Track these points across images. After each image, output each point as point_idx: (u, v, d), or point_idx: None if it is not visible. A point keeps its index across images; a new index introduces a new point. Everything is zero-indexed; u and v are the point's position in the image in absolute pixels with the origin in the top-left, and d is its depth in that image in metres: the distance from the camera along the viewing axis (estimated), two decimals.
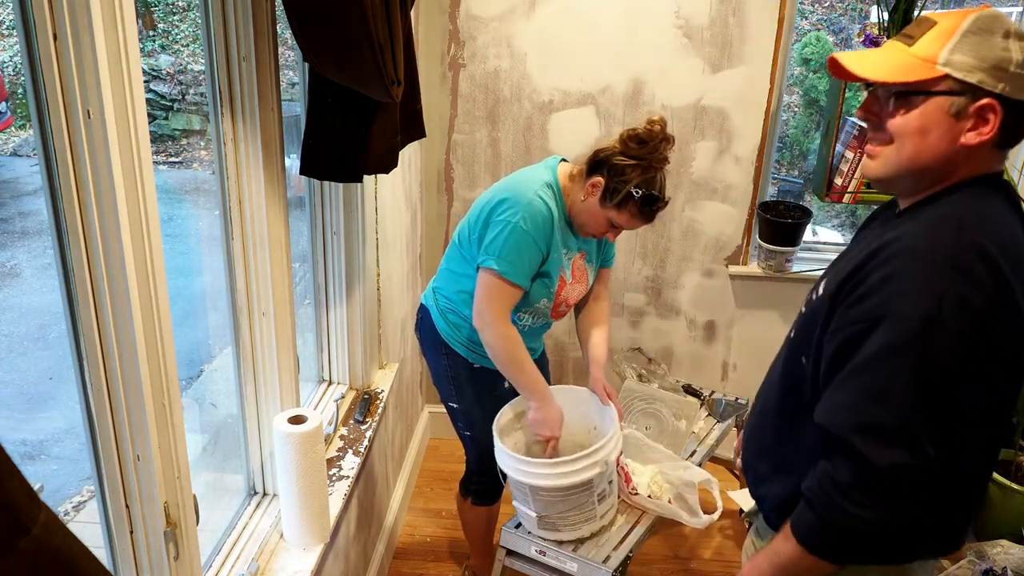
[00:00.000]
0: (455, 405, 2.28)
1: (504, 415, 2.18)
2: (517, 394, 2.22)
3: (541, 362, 2.36)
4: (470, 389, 2.24)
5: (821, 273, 1.38)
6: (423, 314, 2.28)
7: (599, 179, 1.96)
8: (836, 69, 1.24)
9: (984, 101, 1.13)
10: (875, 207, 1.46)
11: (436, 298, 2.23)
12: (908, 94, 1.18)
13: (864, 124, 1.28)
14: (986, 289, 1.09)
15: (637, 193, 1.93)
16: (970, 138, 1.15)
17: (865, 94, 1.26)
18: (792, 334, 1.36)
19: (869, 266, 1.15)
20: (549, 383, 2.33)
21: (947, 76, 1.14)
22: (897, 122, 1.19)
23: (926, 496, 1.14)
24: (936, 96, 1.15)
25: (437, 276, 2.27)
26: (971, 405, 1.14)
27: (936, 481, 1.14)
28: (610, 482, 2.07)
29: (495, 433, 2.11)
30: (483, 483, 2.37)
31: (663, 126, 1.96)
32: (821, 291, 1.27)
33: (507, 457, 2.04)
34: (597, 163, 1.98)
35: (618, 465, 2.16)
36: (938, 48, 1.15)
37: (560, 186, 2.05)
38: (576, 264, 2.15)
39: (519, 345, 2.07)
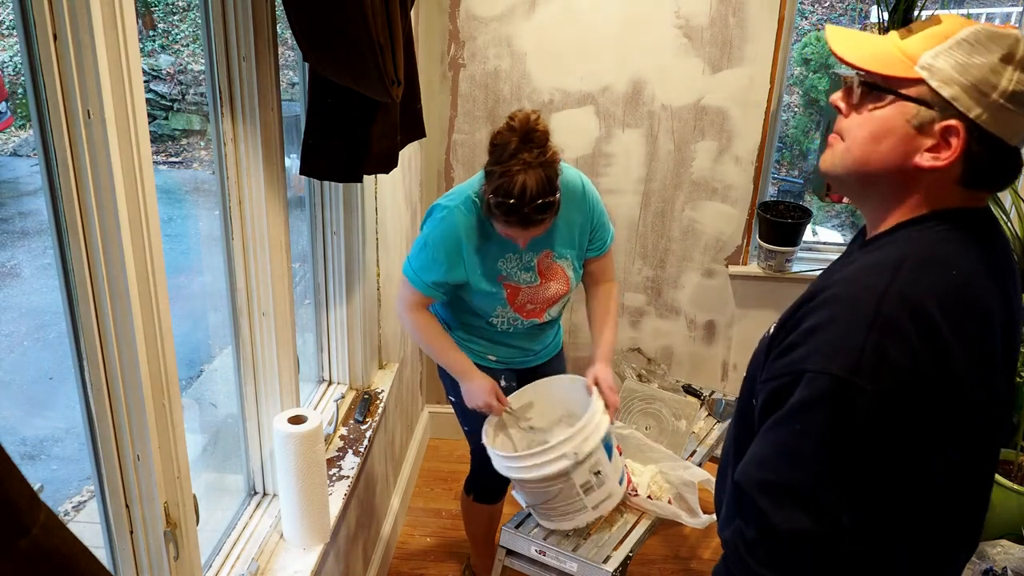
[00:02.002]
0: (453, 399, 2.30)
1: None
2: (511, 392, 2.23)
3: (555, 364, 2.35)
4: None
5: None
6: None
7: (484, 188, 1.89)
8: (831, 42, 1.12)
9: (951, 122, 0.99)
10: None
11: None
12: (875, 88, 1.05)
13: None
14: (910, 344, 0.96)
15: (492, 200, 1.83)
16: (924, 159, 1.02)
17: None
18: (746, 374, 1.25)
19: (800, 313, 1.06)
20: None
21: (921, 81, 1.01)
22: (855, 118, 1.08)
23: (838, 570, 1.02)
24: (902, 100, 1.02)
25: None
26: (899, 473, 1.00)
27: (852, 555, 1.01)
28: (596, 473, 2.01)
29: (486, 425, 2.12)
30: (483, 480, 2.37)
31: (522, 120, 1.81)
32: (771, 330, 1.16)
33: (488, 449, 2.08)
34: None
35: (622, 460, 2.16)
36: (925, 48, 1.02)
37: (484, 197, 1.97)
38: (544, 264, 2.09)
39: (434, 329, 2.12)
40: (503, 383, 2.21)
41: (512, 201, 1.80)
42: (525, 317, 2.14)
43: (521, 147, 1.80)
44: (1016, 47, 0.99)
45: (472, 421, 2.27)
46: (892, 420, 0.98)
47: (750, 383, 1.19)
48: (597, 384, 2.11)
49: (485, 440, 2.10)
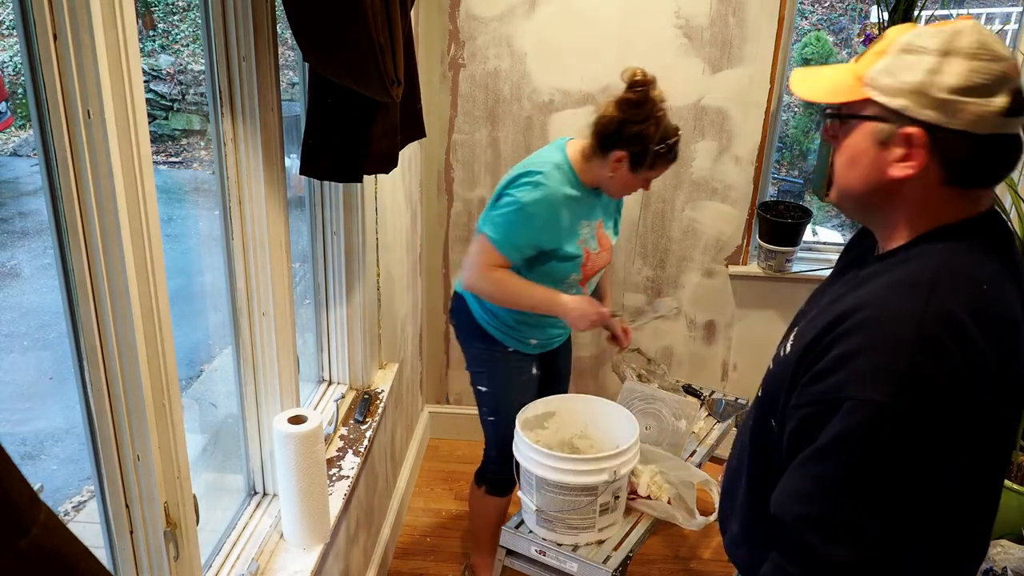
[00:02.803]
0: (484, 388, 2.34)
1: (532, 409, 2.25)
2: (542, 381, 2.37)
3: (567, 345, 2.47)
4: (502, 372, 2.32)
5: (791, 323, 1.26)
6: (458, 302, 2.35)
7: (621, 153, 2.02)
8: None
9: (908, 130, 1.01)
10: None
11: None
12: (838, 117, 1.10)
13: None
14: (953, 361, 0.97)
15: (662, 148, 2.02)
16: (897, 170, 1.04)
17: None
18: (760, 393, 1.23)
19: (830, 337, 1.04)
20: (569, 372, 2.56)
21: (871, 99, 1.04)
22: (837, 151, 1.11)
23: None
24: (863, 121, 1.06)
25: None
26: (924, 484, 1.00)
27: (873, 563, 1.01)
28: (616, 497, 2.08)
29: (517, 422, 2.16)
30: (500, 472, 2.37)
31: (644, 76, 2.00)
32: (788, 349, 1.15)
33: (523, 444, 2.10)
34: (610, 139, 2.03)
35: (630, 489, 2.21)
36: (871, 66, 1.05)
37: (572, 165, 2.11)
38: (600, 232, 2.23)
39: (515, 277, 2.13)
40: (535, 371, 2.33)
41: (674, 142, 2.04)
42: (582, 285, 2.24)
43: (656, 95, 2.01)
44: (954, 40, 1.00)
45: (501, 410, 2.32)
46: (929, 437, 0.98)
47: (767, 404, 1.17)
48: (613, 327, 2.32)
49: (519, 433, 2.13)
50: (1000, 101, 0.99)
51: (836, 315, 1.05)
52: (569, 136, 2.19)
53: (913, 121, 1.01)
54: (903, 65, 1.02)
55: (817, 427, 1.02)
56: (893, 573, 1.03)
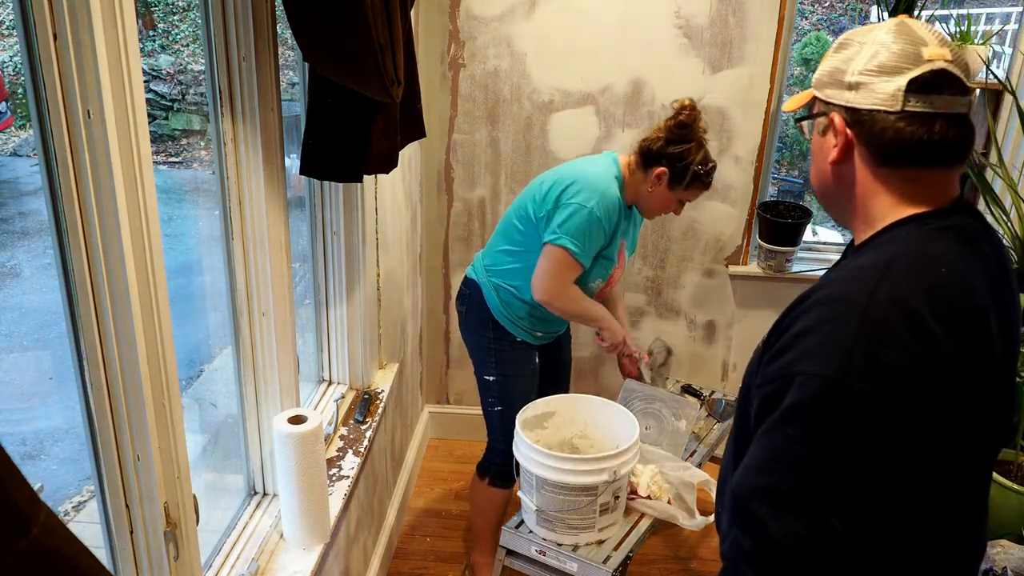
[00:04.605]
0: (491, 378, 2.38)
1: (532, 409, 2.26)
2: (547, 374, 2.44)
3: (564, 336, 2.56)
4: (511, 362, 2.37)
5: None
6: (472, 289, 2.38)
7: (662, 169, 2.15)
8: None
9: (832, 114, 1.09)
10: None
11: (488, 275, 2.34)
12: (797, 120, 1.20)
13: None
14: (902, 344, 0.97)
15: (701, 169, 2.16)
16: (832, 155, 1.10)
17: None
18: (742, 383, 1.24)
19: (790, 318, 1.06)
20: (569, 367, 2.65)
21: (816, 97, 1.13)
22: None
23: (830, 571, 1.00)
24: (812, 119, 1.15)
25: (488, 255, 2.37)
26: (884, 468, 0.99)
27: (841, 553, 0.99)
28: (616, 497, 2.08)
29: (517, 421, 2.17)
30: (506, 463, 2.37)
31: (693, 105, 2.16)
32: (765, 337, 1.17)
33: (523, 444, 2.10)
34: (653, 155, 2.16)
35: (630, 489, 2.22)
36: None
37: (622, 177, 2.22)
38: (620, 248, 2.32)
39: (581, 296, 2.26)
40: (537, 361, 2.41)
41: (711, 166, 2.19)
42: (598, 296, 2.35)
43: (702, 122, 2.17)
44: (874, 30, 1.06)
45: (508, 399, 2.35)
46: (883, 419, 0.98)
47: (746, 392, 1.18)
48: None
49: (519, 433, 2.14)
50: (907, 78, 1.03)
51: (800, 298, 1.08)
52: (613, 152, 2.30)
53: (837, 106, 1.08)
54: (835, 60, 1.10)
55: (776, 404, 1.03)
56: (860, 561, 1.02)
